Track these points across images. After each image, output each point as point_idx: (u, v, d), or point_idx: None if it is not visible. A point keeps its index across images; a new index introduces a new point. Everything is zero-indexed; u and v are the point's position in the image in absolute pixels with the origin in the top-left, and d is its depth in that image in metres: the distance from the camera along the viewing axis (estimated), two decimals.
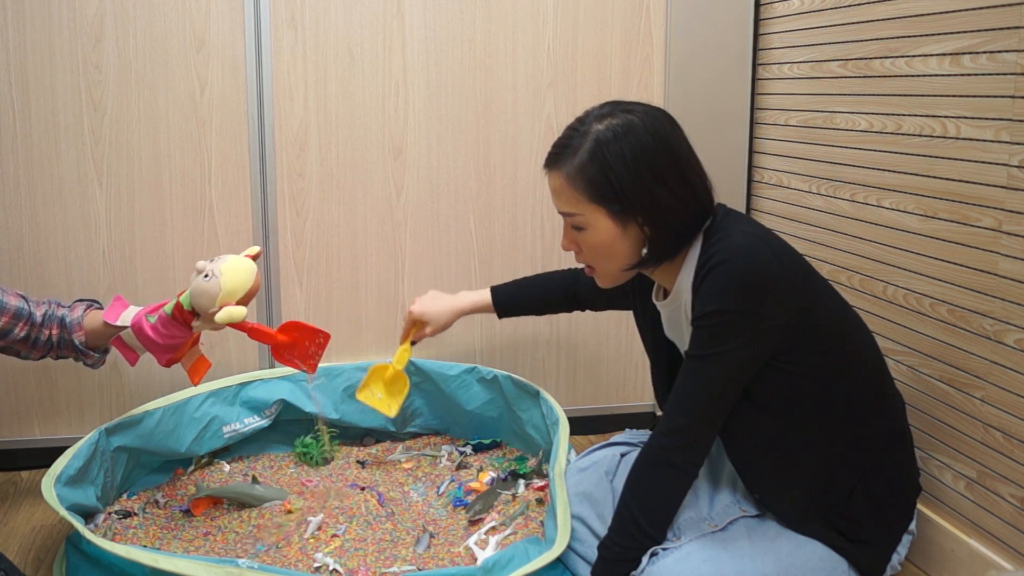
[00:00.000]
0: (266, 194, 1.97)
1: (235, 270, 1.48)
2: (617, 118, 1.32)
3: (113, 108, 1.88)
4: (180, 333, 1.53)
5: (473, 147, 2.04)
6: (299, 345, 1.60)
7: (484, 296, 1.81)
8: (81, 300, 1.67)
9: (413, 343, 1.82)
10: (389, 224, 2.04)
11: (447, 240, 2.07)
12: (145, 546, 1.56)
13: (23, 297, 1.60)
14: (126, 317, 1.57)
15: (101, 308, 1.65)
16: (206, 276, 1.47)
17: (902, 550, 1.43)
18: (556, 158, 1.36)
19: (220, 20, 1.89)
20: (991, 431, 1.44)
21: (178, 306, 1.51)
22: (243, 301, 1.50)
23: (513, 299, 1.81)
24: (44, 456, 1.71)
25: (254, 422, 1.91)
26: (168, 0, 1.87)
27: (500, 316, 1.84)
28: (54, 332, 1.60)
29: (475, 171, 2.05)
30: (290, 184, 1.98)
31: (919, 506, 1.50)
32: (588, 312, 1.83)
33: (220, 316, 1.45)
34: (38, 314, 1.60)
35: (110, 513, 1.68)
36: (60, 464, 1.56)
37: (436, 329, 1.80)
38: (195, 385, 1.64)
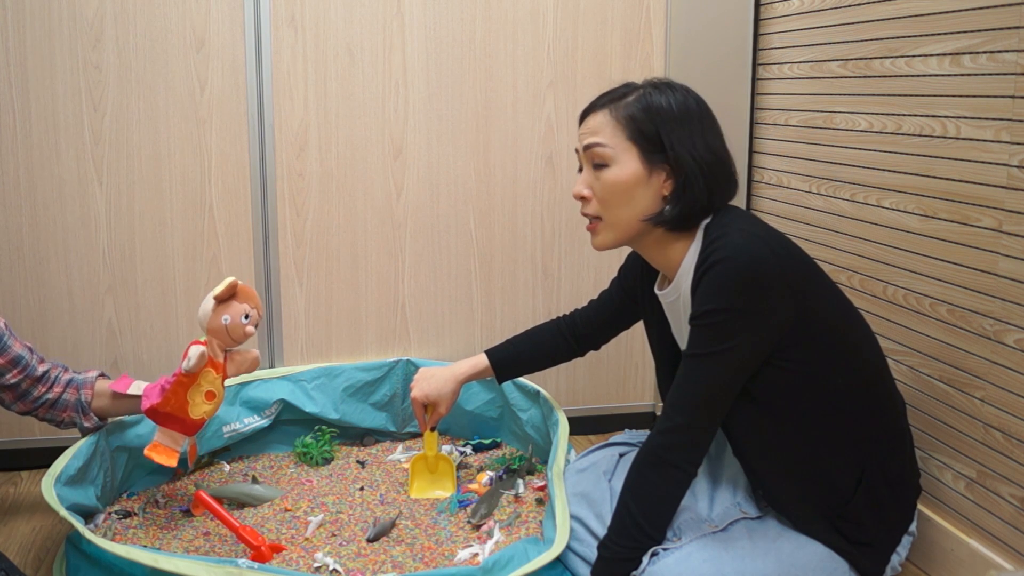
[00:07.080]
0: (266, 194, 1.97)
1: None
2: (663, 82, 1.43)
3: (113, 108, 1.88)
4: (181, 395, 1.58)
5: (473, 147, 2.04)
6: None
7: (481, 360, 1.75)
8: (93, 370, 1.70)
9: (433, 429, 1.77)
10: (389, 224, 2.04)
11: (447, 240, 2.07)
12: (145, 546, 1.56)
13: (30, 349, 1.60)
14: (135, 387, 1.63)
15: (109, 379, 1.68)
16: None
17: (902, 551, 1.43)
18: (600, 100, 1.43)
19: (220, 20, 1.89)
20: (991, 431, 1.44)
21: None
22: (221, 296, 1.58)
23: (511, 358, 1.75)
24: (44, 456, 1.71)
25: (254, 422, 1.91)
26: (168, 0, 1.87)
27: (500, 380, 1.78)
28: (55, 390, 1.61)
29: (475, 171, 2.05)
30: (290, 184, 1.98)
31: (919, 506, 1.50)
32: None
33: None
34: (39, 369, 1.60)
35: (110, 513, 1.68)
36: (60, 464, 1.56)
37: (448, 405, 1.75)
38: (147, 454, 1.60)
